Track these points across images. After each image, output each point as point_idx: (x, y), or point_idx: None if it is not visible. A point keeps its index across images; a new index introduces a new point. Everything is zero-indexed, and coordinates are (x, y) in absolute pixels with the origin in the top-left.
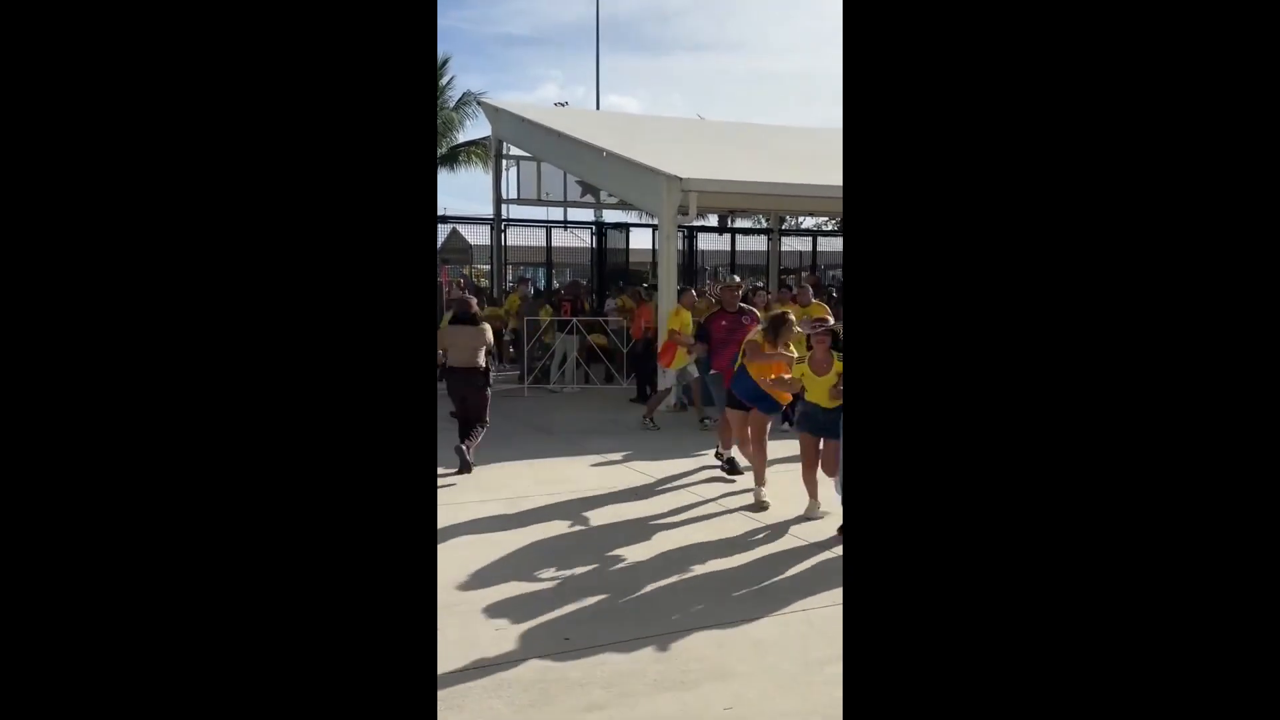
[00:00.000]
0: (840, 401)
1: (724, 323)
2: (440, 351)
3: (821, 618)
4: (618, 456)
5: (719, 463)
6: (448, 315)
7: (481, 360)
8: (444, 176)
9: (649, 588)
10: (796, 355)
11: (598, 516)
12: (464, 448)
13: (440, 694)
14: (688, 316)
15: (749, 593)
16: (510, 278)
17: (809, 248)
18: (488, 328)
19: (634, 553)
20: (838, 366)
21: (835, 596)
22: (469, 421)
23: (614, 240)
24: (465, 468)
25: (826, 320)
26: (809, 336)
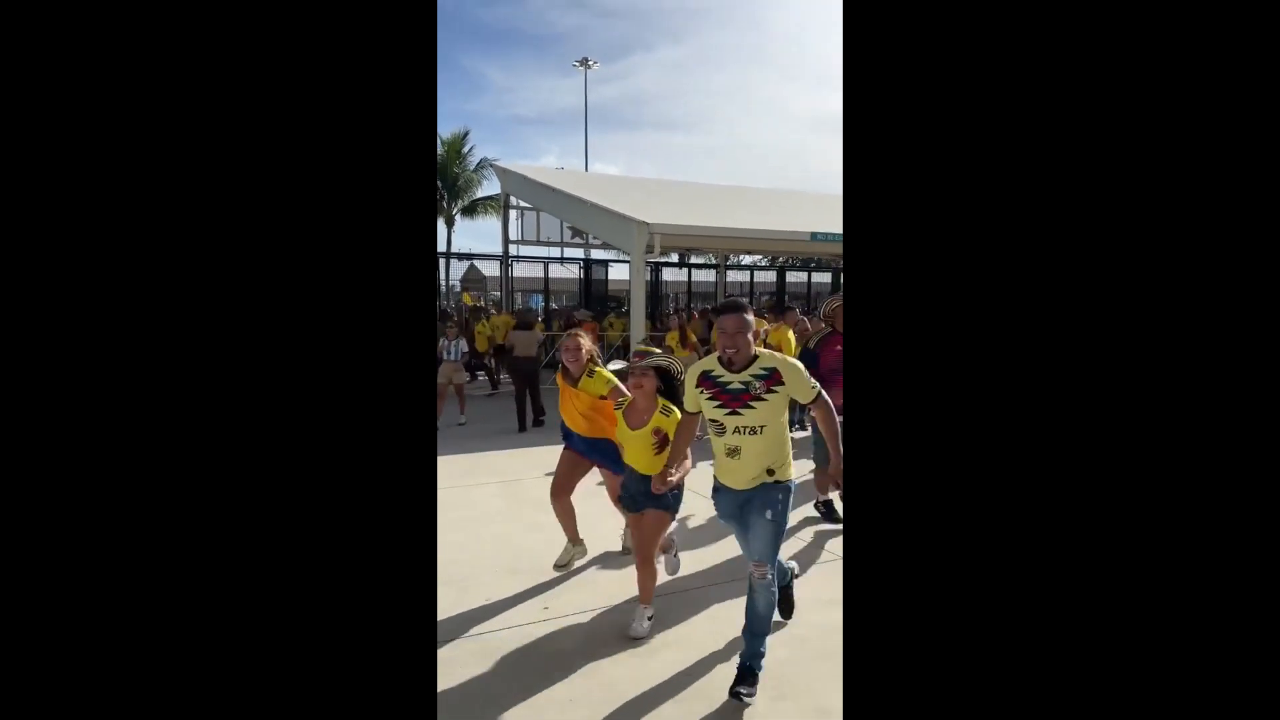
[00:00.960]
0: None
1: (839, 348)
2: (510, 345)
3: None
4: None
5: (818, 511)
6: (507, 318)
7: (533, 351)
8: (464, 223)
9: (622, 562)
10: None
11: (579, 497)
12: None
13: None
14: (790, 334)
15: (709, 566)
16: (519, 302)
17: (748, 279)
18: (539, 330)
19: (610, 530)
20: (659, 420)
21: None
22: (524, 391)
23: (597, 273)
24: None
25: (652, 351)
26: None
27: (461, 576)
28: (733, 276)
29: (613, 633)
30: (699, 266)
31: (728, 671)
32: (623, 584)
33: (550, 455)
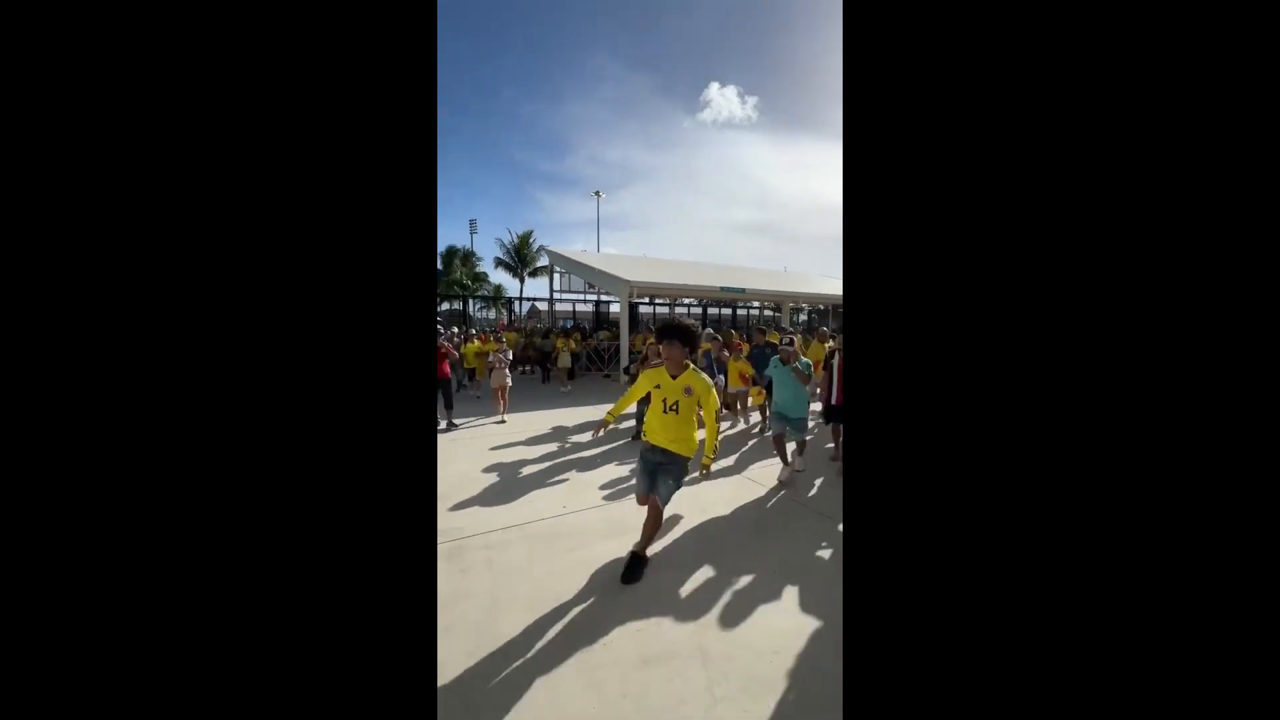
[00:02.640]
0: None
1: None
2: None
3: (693, 490)
4: (599, 412)
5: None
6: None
7: (550, 349)
8: (530, 281)
9: (610, 474)
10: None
11: (584, 438)
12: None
13: (487, 538)
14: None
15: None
16: (557, 326)
17: (686, 312)
18: (553, 339)
19: (602, 457)
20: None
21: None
22: (544, 367)
23: (602, 309)
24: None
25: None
26: None
27: (504, 488)
28: (678, 310)
29: (599, 522)
30: (660, 305)
31: (660, 543)
32: (609, 490)
33: (565, 414)
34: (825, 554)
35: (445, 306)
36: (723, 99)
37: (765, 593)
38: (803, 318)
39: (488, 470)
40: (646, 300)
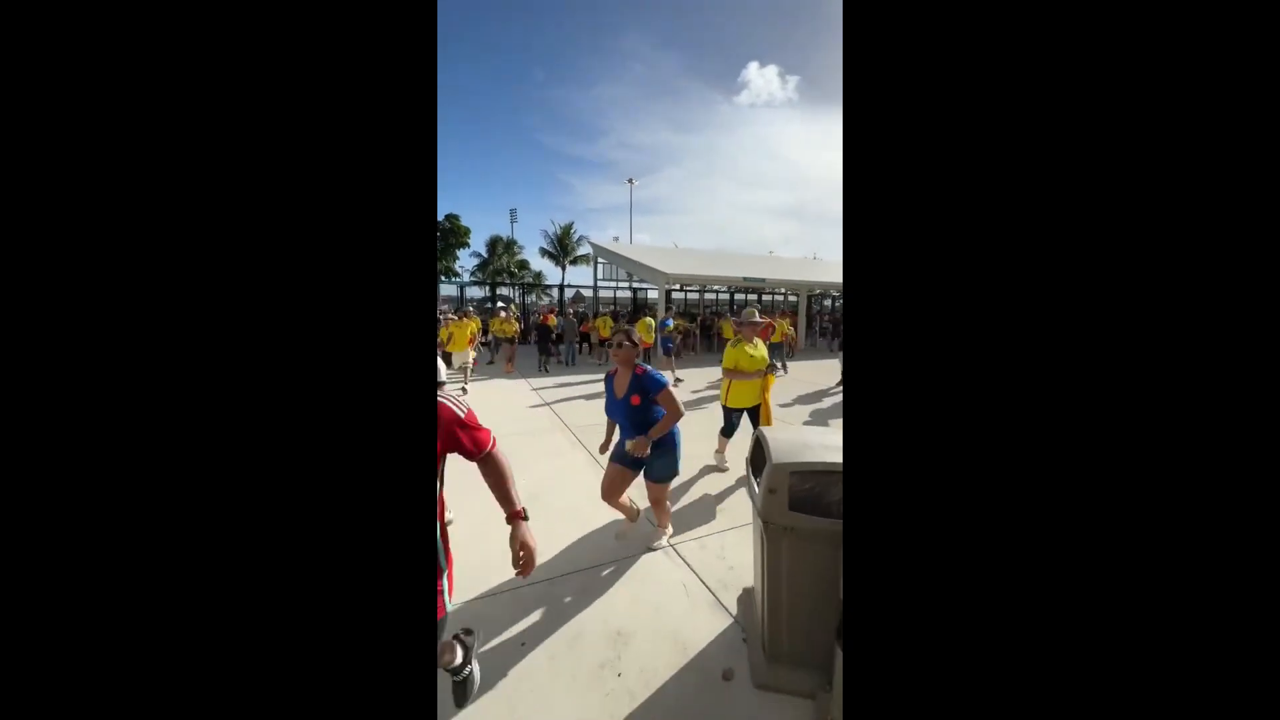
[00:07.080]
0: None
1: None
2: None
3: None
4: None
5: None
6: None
7: (576, 335)
8: (572, 269)
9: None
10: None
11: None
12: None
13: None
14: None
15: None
16: (600, 310)
17: (714, 299)
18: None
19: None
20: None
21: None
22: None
23: (640, 295)
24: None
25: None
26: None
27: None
28: (708, 297)
29: None
30: (691, 291)
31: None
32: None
33: (588, 385)
34: None
35: (492, 292)
36: (762, 80)
37: None
38: (828, 303)
39: (535, 407)
40: (678, 287)
